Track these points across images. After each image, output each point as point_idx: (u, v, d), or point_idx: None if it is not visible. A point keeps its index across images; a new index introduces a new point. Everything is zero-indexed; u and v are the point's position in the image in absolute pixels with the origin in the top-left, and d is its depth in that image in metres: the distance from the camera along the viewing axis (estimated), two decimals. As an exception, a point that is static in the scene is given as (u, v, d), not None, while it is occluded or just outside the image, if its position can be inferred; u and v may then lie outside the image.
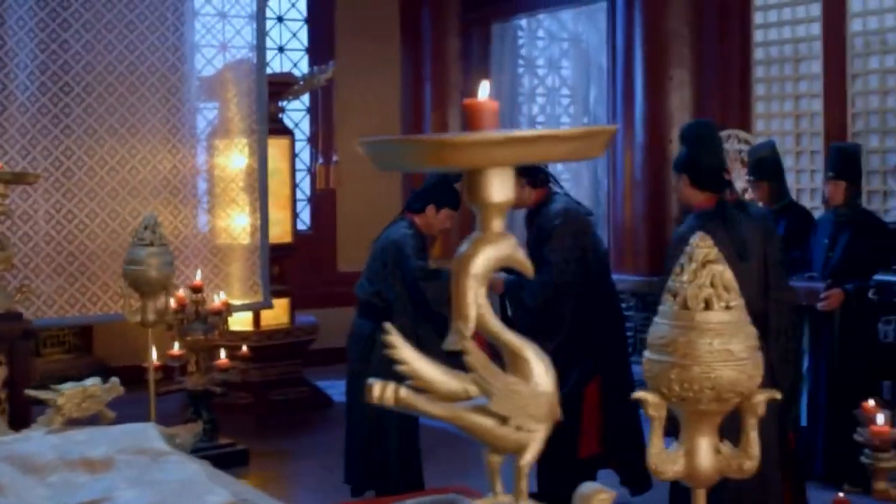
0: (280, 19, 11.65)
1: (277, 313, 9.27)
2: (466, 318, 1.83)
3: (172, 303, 7.28)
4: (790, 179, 8.42)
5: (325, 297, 11.35)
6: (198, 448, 7.27)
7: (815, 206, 8.23)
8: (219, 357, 7.28)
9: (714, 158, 5.39)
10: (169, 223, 7.73)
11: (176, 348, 7.32)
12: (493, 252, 1.84)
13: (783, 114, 8.51)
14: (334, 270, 11.66)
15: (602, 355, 6.13)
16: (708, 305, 2.76)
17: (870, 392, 4.39)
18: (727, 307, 2.77)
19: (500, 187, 1.82)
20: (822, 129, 8.17)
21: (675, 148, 8.92)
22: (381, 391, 1.76)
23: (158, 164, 7.80)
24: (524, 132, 1.72)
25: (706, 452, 2.86)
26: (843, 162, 6.82)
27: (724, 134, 8.31)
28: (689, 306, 2.77)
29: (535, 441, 1.85)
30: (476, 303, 1.83)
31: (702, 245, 2.83)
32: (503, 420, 1.83)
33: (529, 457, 1.87)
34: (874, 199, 7.85)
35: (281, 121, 9.65)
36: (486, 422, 1.83)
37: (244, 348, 7.69)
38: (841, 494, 3.62)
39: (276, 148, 9.27)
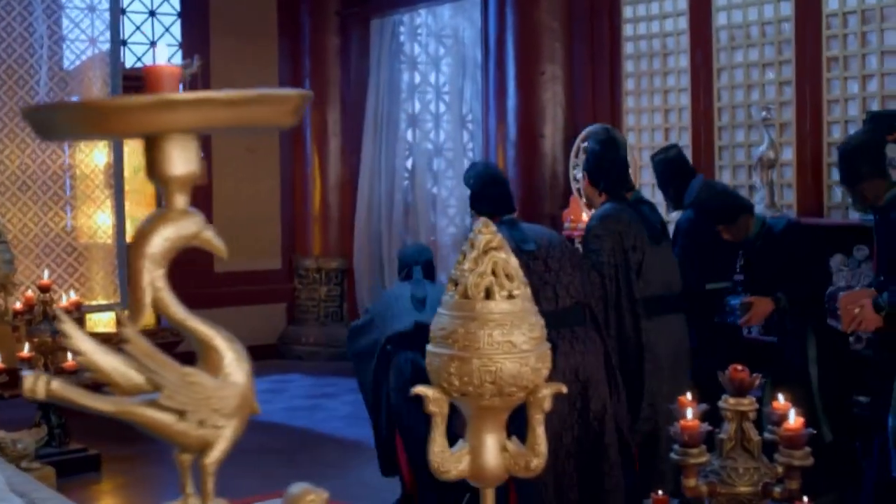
0: (152, 13, 11.35)
1: (143, 314, 8.98)
2: (140, 304, 1.65)
3: (19, 304, 7.02)
4: (659, 174, 8.37)
5: (201, 298, 11.07)
6: (46, 454, 7.02)
7: (683, 201, 8.18)
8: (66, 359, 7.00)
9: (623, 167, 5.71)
10: (18, 220, 7.45)
11: (26, 350, 7.04)
12: (174, 231, 1.67)
13: (652, 108, 8.44)
14: (210, 271, 11.40)
15: None
16: (489, 295, 2.62)
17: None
18: (510, 296, 2.63)
19: (179, 159, 1.66)
20: (689, 124, 8.11)
21: (547, 143, 8.86)
22: (33, 383, 1.58)
23: (6, 160, 7.50)
24: (179, 94, 1.54)
25: (492, 450, 2.72)
26: (664, 174, 6.83)
27: (591, 128, 8.24)
28: (470, 295, 2.63)
29: (221, 438, 1.68)
30: (153, 286, 1.65)
31: (484, 231, 2.69)
32: (181, 415, 1.65)
33: (216, 455, 1.69)
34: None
35: (145, 116, 9.35)
36: (163, 417, 1.66)
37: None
38: (660, 492, 3.49)
39: (141, 144, 9.01)
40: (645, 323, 5.31)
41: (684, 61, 8.16)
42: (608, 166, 5.63)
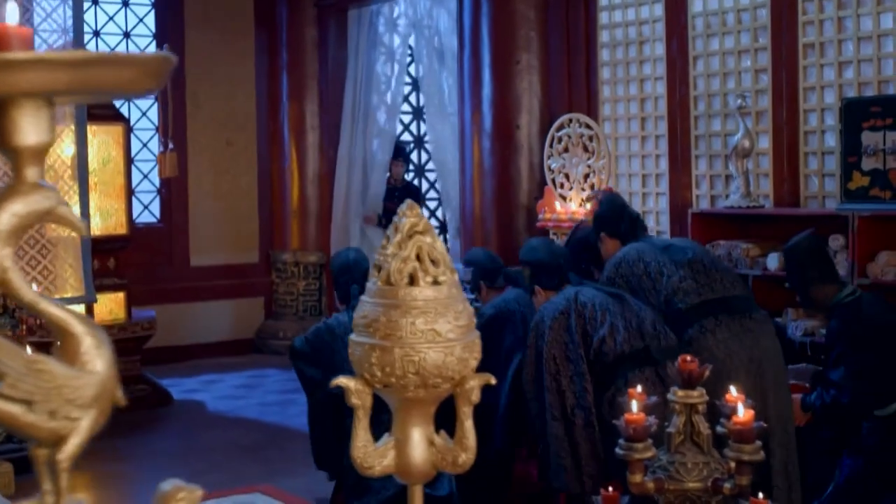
0: (126, 4, 11.18)
1: (113, 308, 8.86)
2: (-18, 286, 1.51)
3: (-23, 297, 6.87)
4: (636, 165, 8.24)
5: (177, 292, 10.97)
6: (7, 450, 6.89)
7: (660, 191, 8.05)
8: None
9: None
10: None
11: (-14, 346, 6.89)
12: (24, 207, 1.52)
13: (628, 97, 8.30)
14: (187, 265, 11.26)
15: None
16: (413, 281, 2.48)
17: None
18: (435, 282, 2.49)
19: (29, 127, 1.50)
20: (665, 113, 7.97)
21: (523, 133, 8.72)
22: None
23: (-36, 153, 7.34)
24: (14, 53, 1.40)
25: (419, 445, 2.58)
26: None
27: (565, 118, 8.11)
28: (393, 282, 2.49)
29: (77, 431, 1.54)
30: (0, 266, 1.50)
31: (409, 214, 2.55)
32: (28, 405, 1.51)
33: (70, 449, 1.56)
34: (717, 183, 7.67)
35: (113, 107, 9.20)
36: (9, 408, 1.52)
37: (58, 344, 7.23)
38: (610, 489, 3.35)
39: (109, 135, 8.91)
40: (696, 332, 4.95)
41: (660, 49, 8.02)
42: (624, 219, 5.56)
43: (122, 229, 9.03)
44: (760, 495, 3.14)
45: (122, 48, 11.01)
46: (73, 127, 7.81)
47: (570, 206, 7.80)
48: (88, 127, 8.60)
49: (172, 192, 11.13)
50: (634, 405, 3.14)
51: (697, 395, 3.16)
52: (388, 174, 11.77)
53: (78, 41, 7.86)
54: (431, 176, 12.99)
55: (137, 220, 11.02)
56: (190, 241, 11.23)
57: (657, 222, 8.10)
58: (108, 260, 8.90)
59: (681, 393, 3.17)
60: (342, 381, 2.61)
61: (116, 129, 8.97)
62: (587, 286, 5.10)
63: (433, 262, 2.51)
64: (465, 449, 2.56)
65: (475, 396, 2.54)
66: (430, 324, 2.46)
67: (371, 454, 2.62)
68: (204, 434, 8.09)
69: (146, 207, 11.17)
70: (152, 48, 11.10)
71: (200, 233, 11.25)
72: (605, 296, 4.96)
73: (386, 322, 2.47)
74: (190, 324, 11.03)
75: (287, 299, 11.68)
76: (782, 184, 7.24)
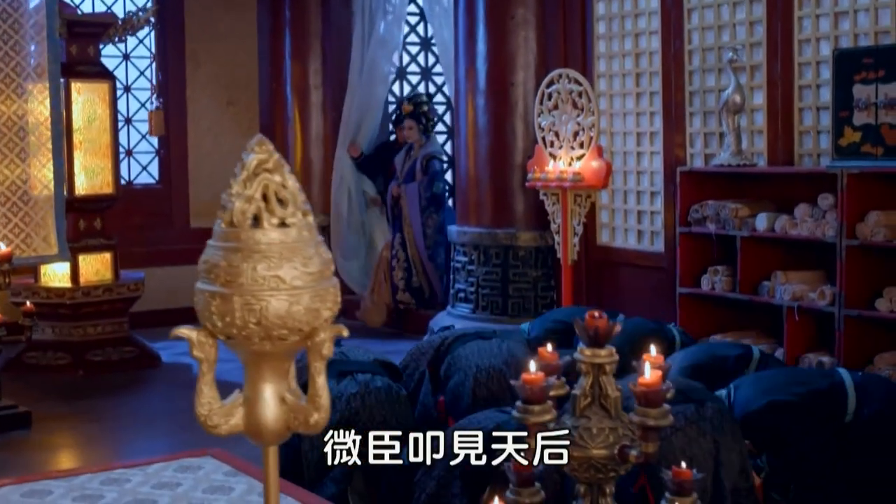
0: (122, -41, 10.99)
1: (99, 269, 8.69)
2: None
3: (-56, 255, 6.74)
4: (630, 123, 7.96)
5: (177, 254, 10.80)
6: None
7: (654, 150, 7.77)
8: (-6, 313, 6.71)
9: None
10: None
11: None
12: None
13: (623, 52, 8.00)
14: (187, 227, 11.07)
15: None
16: (258, 222, 2.26)
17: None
18: (282, 224, 2.26)
19: None
20: (660, 69, 7.67)
21: (517, 91, 8.45)
22: None
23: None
24: None
25: (270, 403, 2.39)
26: None
27: (555, 73, 7.83)
28: (236, 223, 2.27)
29: None
30: None
31: (257, 150, 2.32)
32: None
33: None
34: (711, 140, 7.37)
35: (100, 64, 9.00)
36: None
37: (28, 303, 7.08)
38: (523, 461, 3.12)
39: (95, 93, 8.72)
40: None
41: (655, 2, 7.71)
42: None
43: (108, 188, 8.84)
44: (683, 465, 2.91)
45: (118, 7, 10.80)
46: (48, 84, 7.64)
47: (560, 165, 7.53)
48: (73, 84, 8.47)
49: (172, 152, 10.94)
50: (532, 365, 2.91)
51: (606, 355, 2.92)
52: (392, 138, 11.48)
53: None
54: (440, 138, 12.72)
55: (135, 181, 10.86)
56: (190, 203, 11.04)
57: (651, 182, 7.81)
58: (94, 220, 8.73)
59: (588, 352, 2.93)
60: (183, 331, 2.41)
61: (102, 87, 8.77)
62: None
63: (281, 202, 2.29)
64: (318, 408, 2.34)
65: (327, 350, 2.32)
66: (274, 270, 2.24)
67: (217, 412, 2.42)
68: (184, 396, 7.86)
69: (144, 168, 10.98)
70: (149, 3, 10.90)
71: (200, 194, 11.03)
72: None
73: (226, 267, 2.26)
74: (190, 286, 10.78)
75: (289, 262, 11.46)
76: (776, 141, 6.93)
